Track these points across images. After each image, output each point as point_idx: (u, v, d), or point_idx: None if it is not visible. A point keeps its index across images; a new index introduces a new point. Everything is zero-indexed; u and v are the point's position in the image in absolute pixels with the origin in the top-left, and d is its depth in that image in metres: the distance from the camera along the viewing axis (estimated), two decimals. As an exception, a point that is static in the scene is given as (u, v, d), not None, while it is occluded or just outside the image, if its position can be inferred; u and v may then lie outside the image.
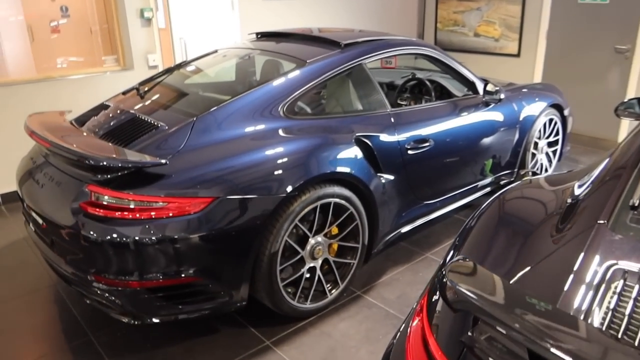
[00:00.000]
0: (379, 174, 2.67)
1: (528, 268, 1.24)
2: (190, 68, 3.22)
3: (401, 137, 2.79)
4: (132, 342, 2.33)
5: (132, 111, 2.53)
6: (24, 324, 2.47)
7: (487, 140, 3.37)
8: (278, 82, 2.54)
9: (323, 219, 2.46)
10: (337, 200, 2.42)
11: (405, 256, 3.10)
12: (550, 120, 4.00)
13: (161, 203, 2.00)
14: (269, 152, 2.25)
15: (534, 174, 3.80)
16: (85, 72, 4.14)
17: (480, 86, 3.40)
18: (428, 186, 3.04)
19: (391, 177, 2.74)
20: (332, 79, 2.68)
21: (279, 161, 2.23)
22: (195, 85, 2.99)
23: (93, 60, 4.50)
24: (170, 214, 2.00)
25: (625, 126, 5.37)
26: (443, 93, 3.76)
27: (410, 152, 2.83)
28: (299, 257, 2.38)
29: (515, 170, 3.80)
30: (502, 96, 3.25)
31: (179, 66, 3.23)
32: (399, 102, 3.82)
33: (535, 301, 0.96)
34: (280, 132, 2.37)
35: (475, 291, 0.95)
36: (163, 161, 2.03)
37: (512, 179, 3.81)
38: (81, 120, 2.65)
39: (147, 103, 2.66)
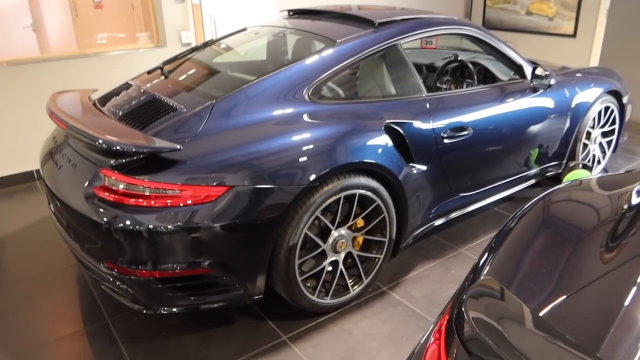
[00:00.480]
0: (410, 164, 2.49)
1: (570, 293, 1.06)
2: (218, 46, 3.10)
3: (437, 125, 2.59)
4: (148, 328, 2.28)
5: (152, 92, 2.44)
6: (44, 303, 2.48)
7: (533, 129, 3.11)
8: (304, 63, 2.38)
9: (347, 211, 2.31)
10: (362, 191, 2.26)
11: (436, 250, 2.92)
12: (607, 108, 3.67)
13: (175, 191, 1.91)
14: (290, 139, 2.11)
15: (585, 166, 3.51)
16: (118, 49, 4.10)
17: (528, 70, 3.13)
18: (465, 177, 2.84)
19: (424, 168, 2.56)
20: (363, 60, 2.50)
21: (300, 149, 2.09)
22: (222, 65, 2.87)
23: (133, 36, 4.46)
24: (185, 203, 1.90)
25: (691, 115, 4.90)
26: (487, 76, 3.49)
27: (446, 140, 2.63)
28: (320, 250, 2.26)
29: (564, 161, 3.52)
30: (553, 81, 2.97)
31: (206, 44, 3.11)
32: (438, 85, 3.59)
33: (574, 352, 0.78)
34: (304, 118, 2.22)
35: (496, 333, 0.78)
36: (177, 147, 1.93)
37: (559, 171, 3.53)
38: (104, 100, 2.59)
39: (169, 83, 2.56)
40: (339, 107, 2.35)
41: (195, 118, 2.14)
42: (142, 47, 4.21)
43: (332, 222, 2.27)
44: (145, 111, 2.27)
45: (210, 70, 2.77)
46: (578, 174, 3.46)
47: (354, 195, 2.25)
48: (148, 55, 4.18)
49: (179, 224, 1.89)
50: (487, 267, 1.23)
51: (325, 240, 2.26)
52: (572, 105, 3.32)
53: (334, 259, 2.32)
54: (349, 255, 2.39)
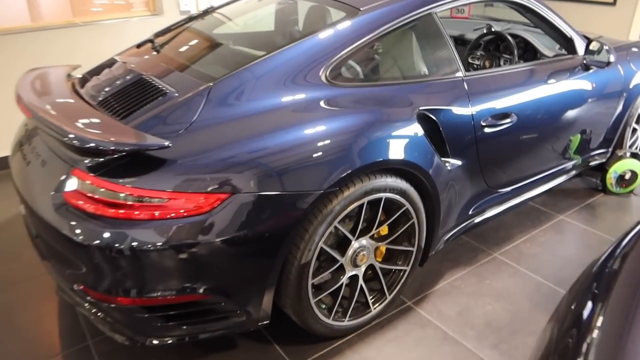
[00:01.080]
0: (444, 159, 2.10)
1: None
2: (219, 15, 2.67)
3: (477, 111, 2.18)
4: (133, 354, 1.96)
5: (139, 71, 2.04)
6: (15, 320, 2.15)
7: (583, 114, 2.69)
8: (320, 37, 1.97)
9: (370, 217, 1.94)
10: (389, 195, 1.89)
11: (468, 255, 2.56)
12: (660, 88, 3.22)
13: (164, 199, 1.54)
14: (304, 132, 1.72)
15: (635, 155, 3.09)
16: (110, 18, 3.68)
17: (580, 44, 2.68)
18: (504, 171, 2.45)
19: (459, 162, 2.17)
20: (392, 33, 2.07)
21: (316, 145, 1.70)
22: (223, 37, 2.45)
23: (128, 3, 4.02)
24: (175, 214, 1.54)
25: None
26: (527, 51, 3.05)
27: (486, 129, 2.23)
28: (337, 265, 1.90)
29: (610, 149, 3.10)
30: (612, 58, 2.53)
31: (206, 12, 2.69)
32: (470, 61, 3.15)
33: None
34: (320, 105, 1.82)
35: None
36: (166, 143, 1.55)
37: (604, 160, 3.12)
38: (84, 80, 2.20)
39: (160, 60, 2.16)
40: (363, 91, 1.94)
41: (188, 105, 1.75)
42: (136, 15, 3.78)
43: (352, 232, 1.90)
44: (129, 96, 1.88)
45: (209, 43, 2.36)
46: (627, 164, 3.05)
47: (379, 199, 1.88)
48: (143, 24, 3.74)
49: (168, 240, 1.53)
50: (599, 320, 0.99)
51: (343, 252, 1.90)
52: (629, 86, 2.89)
53: (353, 273, 1.96)
54: (369, 267, 2.03)
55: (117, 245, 1.52)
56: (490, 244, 2.64)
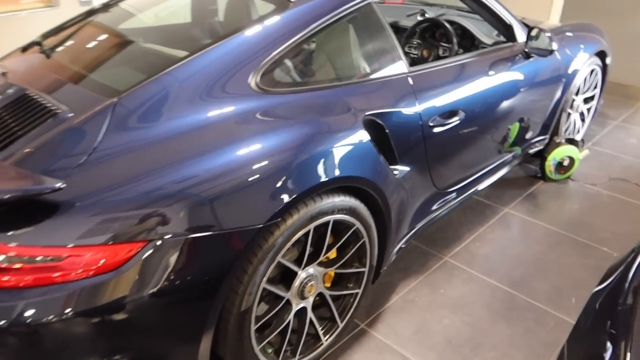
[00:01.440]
0: (392, 167, 1.90)
1: None
2: (127, 6, 2.28)
3: (423, 110, 1.99)
4: None
5: (21, 84, 1.65)
6: None
7: (526, 103, 2.60)
8: (246, 35, 1.67)
9: (317, 242, 1.71)
10: (338, 216, 1.66)
11: (418, 261, 2.40)
12: (592, 71, 3.22)
13: (61, 257, 1.21)
14: (235, 154, 1.44)
15: (571, 141, 3.07)
16: (-7, 9, 3.13)
17: (520, 32, 2.57)
18: (452, 171, 2.30)
19: (407, 168, 1.98)
20: (329, 27, 1.82)
21: (250, 169, 1.43)
22: (133, 33, 2.09)
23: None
24: (77, 275, 1.22)
25: (658, 71, 4.61)
26: (464, 38, 2.91)
27: (435, 130, 2.05)
28: (283, 301, 1.66)
29: (548, 136, 3.06)
30: (555, 46, 2.43)
31: (108, 5, 2.29)
32: (407, 50, 2.96)
33: None
34: (251, 119, 1.54)
35: None
36: (57, 184, 1.22)
37: (542, 147, 3.08)
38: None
39: (50, 69, 1.78)
40: (300, 97, 1.68)
41: (86, 128, 1.41)
42: (26, 8, 3.24)
43: (298, 262, 1.66)
44: (8, 119, 1.50)
45: (113, 43, 1.99)
46: (565, 150, 3.02)
47: (326, 222, 1.64)
48: (35, 19, 3.22)
49: (73, 308, 1.21)
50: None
51: (289, 286, 1.66)
52: (567, 71, 2.83)
53: (301, 306, 1.73)
54: (318, 295, 1.81)
55: (4, 323, 1.18)
56: (439, 247, 2.50)
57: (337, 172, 1.59)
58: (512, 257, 2.44)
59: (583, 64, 2.99)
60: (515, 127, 2.63)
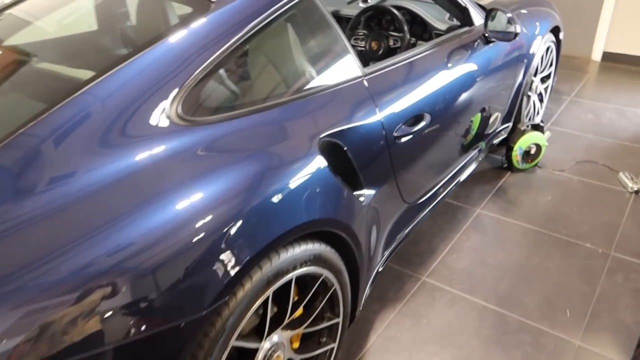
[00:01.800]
0: (357, 193, 1.58)
1: None
2: (21, 12, 1.81)
3: (386, 119, 1.68)
4: None
5: None
6: None
7: (491, 93, 2.35)
8: (160, 51, 1.28)
9: (280, 300, 1.36)
10: (301, 270, 1.32)
11: (394, 286, 2.11)
12: (547, 48, 3.02)
13: None
14: (154, 219, 1.05)
15: (536, 127, 2.86)
16: None
17: (476, 15, 2.29)
18: (420, 180, 2.01)
19: (373, 191, 1.67)
20: (264, 31, 1.45)
21: (179, 237, 1.05)
22: (25, 49, 1.63)
23: None
24: None
25: (601, 41, 4.53)
26: (414, 24, 2.62)
27: (401, 140, 1.74)
28: (243, 387, 1.31)
29: (510, 124, 2.84)
30: (519, 29, 2.16)
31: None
32: (353, 43, 2.63)
33: None
34: (175, 164, 1.16)
35: None
36: None
37: (506, 135, 2.86)
38: None
39: None
40: (237, 125, 1.31)
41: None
42: None
43: (258, 331, 1.31)
44: None
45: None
46: (531, 138, 2.81)
47: (288, 281, 1.30)
48: None
49: None
50: None
51: (250, 365, 1.31)
52: (528, 52, 2.60)
53: (267, 383, 1.39)
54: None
55: None
56: (414, 265, 2.22)
57: (296, 220, 1.24)
58: (494, 267, 2.19)
59: (540, 42, 2.77)
60: (478, 119, 2.37)
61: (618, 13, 4.35)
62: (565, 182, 2.78)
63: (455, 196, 2.69)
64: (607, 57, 4.57)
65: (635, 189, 2.65)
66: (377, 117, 1.64)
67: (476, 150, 2.49)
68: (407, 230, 2.03)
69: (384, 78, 1.75)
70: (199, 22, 1.36)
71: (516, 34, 2.14)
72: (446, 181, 2.25)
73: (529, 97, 2.97)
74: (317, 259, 1.36)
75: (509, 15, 2.16)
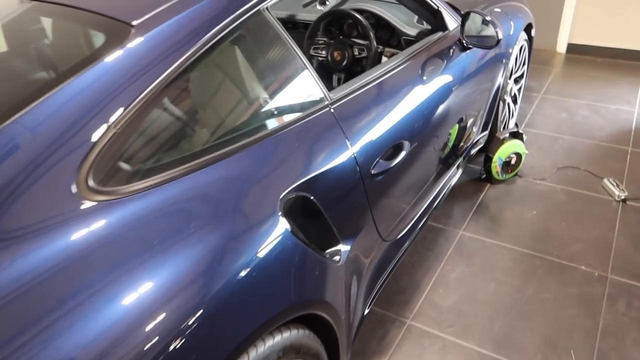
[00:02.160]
0: (331, 251, 1.30)
1: None
2: None
3: (360, 153, 1.39)
4: None
5: None
6: None
7: (469, 101, 2.11)
8: (55, 100, 0.95)
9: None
10: (269, 372, 1.02)
11: (375, 334, 1.84)
12: (521, 48, 2.81)
13: None
14: (75, 335, 0.74)
15: (515, 135, 2.64)
16: None
17: (450, 18, 2.03)
18: (400, 213, 1.75)
19: (349, 246, 1.39)
20: (203, 61, 1.14)
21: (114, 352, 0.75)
22: None
23: None
24: None
25: (566, 33, 4.39)
26: (380, 28, 2.34)
27: (379, 177, 1.47)
28: None
29: (487, 132, 2.61)
30: (501, 34, 1.91)
31: None
32: (312, 53, 2.33)
33: None
34: (91, 255, 0.84)
35: None
36: None
37: (484, 145, 2.63)
38: None
39: None
40: (172, 192, 0.99)
41: None
42: None
43: None
44: None
45: None
46: (511, 147, 2.59)
47: (252, 391, 1.00)
48: None
49: None
50: None
51: None
52: (504, 54, 2.37)
53: None
54: None
55: None
56: (397, 306, 1.96)
57: (264, 314, 0.95)
58: (485, 303, 1.96)
59: (516, 42, 2.55)
60: (455, 132, 2.12)
61: (582, 3, 4.21)
62: (549, 193, 2.58)
63: (434, 217, 2.44)
64: (572, 49, 4.44)
65: (622, 197, 2.48)
66: (349, 153, 1.36)
67: (455, 167, 2.25)
68: (388, 271, 1.76)
69: (354, 103, 1.46)
70: (115, 56, 1.03)
71: (498, 40, 1.89)
72: (426, 207, 1.99)
73: (504, 101, 2.75)
74: (290, 349, 1.07)
75: (489, 18, 1.91)
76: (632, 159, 2.83)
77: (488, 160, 2.60)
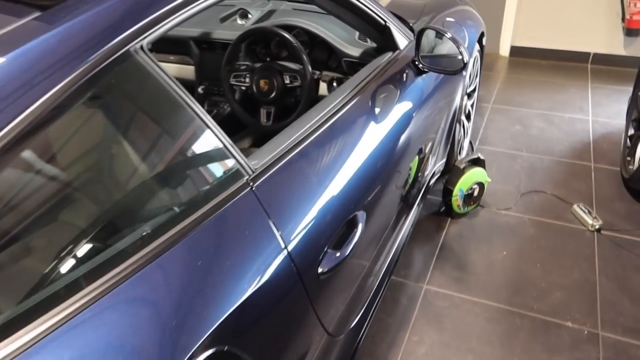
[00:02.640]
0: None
1: None
2: None
3: (296, 250, 0.96)
4: None
5: None
6: None
7: (430, 131, 1.74)
8: None
9: None
10: None
11: None
12: (474, 59, 2.48)
13: None
14: None
15: (475, 161, 2.31)
16: None
17: (400, 35, 1.64)
18: (351, 302, 1.33)
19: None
20: (51, 125, 0.67)
21: None
22: None
23: None
24: None
25: (508, 36, 4.17)
26: (314, 48, 1.92)
27: (324, 275, 1.05)
28: None
29: (444, 160, 2.26)
30: (467, 57, 1.52)
31: None
32: (234, 83, 1.87)
33: None
34: None
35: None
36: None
37: (440, 174, 2.28)
38: None
39: None
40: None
41: None
42: None
43: None
44: None
45: None
46: (472, 176, 2.26)
47: None
48: None
49: None
50: None
51: None
52: (465, 74, 2.03)
53: None
54: None
55: None
56: (358, 402, 1.55)
57: None
58: (464, 385, 1.59)
59: (471, 55, 2.22)
60: (415, 166, 1.73)
61: (523, 4, 4.00)
62: (517, 226, 2.27)
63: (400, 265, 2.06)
64: (516, 51, 4.22)
65: (597, 226, 2.20)
66: (282, 255, 0.93)
67: (416, 206, 1.87)
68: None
69: (286, 172, 1.03)
70: None
71: (465, 64, 1.51)
72: (385, 272, 1.60)
73: (459, 121, 2.42)
74: None
75: (450, 35, 1.53)
76: (596, 176, 2.59)
77: (448, 194, 2.25)
